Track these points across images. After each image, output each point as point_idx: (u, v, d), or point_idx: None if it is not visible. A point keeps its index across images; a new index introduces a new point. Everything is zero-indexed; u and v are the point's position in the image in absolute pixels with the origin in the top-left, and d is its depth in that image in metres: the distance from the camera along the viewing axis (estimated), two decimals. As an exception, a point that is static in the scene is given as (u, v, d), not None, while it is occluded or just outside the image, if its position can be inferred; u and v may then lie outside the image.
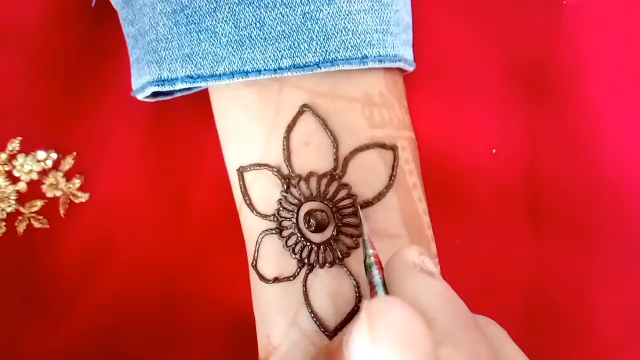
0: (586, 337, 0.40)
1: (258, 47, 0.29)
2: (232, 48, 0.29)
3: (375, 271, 0.26)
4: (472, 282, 0.41)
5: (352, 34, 0.29)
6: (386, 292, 0.25)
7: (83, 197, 0.40)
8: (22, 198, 0.39)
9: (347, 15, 0.29)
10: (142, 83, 0.32)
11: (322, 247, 0.30)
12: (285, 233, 0.30)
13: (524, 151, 0.41)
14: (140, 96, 0.33)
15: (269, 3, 0.29)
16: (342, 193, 0.30)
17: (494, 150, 0.41)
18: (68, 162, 0.39)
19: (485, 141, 0.41)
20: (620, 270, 0.40)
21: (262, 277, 0.31)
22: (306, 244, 0.30)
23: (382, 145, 0.30)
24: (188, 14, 0.30)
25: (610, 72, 0.40)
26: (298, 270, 0.30)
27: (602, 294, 0.40)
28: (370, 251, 0.27)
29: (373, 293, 0.25)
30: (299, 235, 0.30)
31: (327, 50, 0.29)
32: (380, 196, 0.30)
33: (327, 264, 0.29)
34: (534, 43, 0.41)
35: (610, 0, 0.40)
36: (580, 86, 0.40)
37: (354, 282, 0.29)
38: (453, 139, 0.41)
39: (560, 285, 0.41)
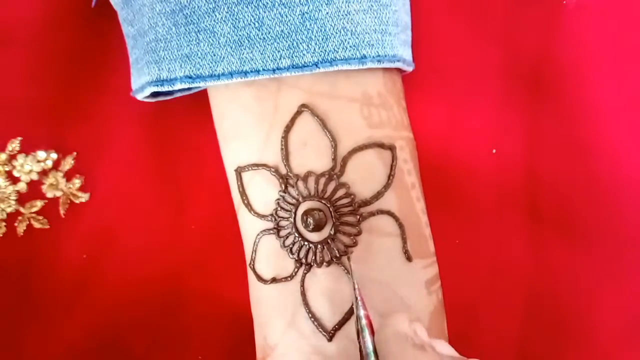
0: (586, 337, 0.40)
1: (257, 47, 0.29)
2: (231, 48, 0.29)
3: (368, 337, 0.26)
4: (472, 282, 0.41)
5: (351, 34, 0.29)
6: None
7: (83, 197, 0.40)
8: (22, 198, 0.39)
9: (346, 15, 0.29)
10: (141, 83, 0.32)
11: (319, 246, 0.30)
12: (283, 233, 0.30)
13: (524, 151, 0.41)
14: (140, 96, 0.33)
15: (267, 3, 0.29)
16: (340, 192, 0.30)
17: (494, 150, 0.41)
18: (68, 162, 0.39)
19: (485, 141, 0.41)
20: (620, 270, 0.40)
21: (259, 278, 0.31)
22: (304, 244, 0.30)
23: (381, 145, 0.30)
24: (187, 14, 0.30)
25: (610, 72, 0.40)
26: (296, 270, 0.30)
27: (602, 294, 0.40)
28: (362, 312, 0.27)
29: None
30: (296, 235, 0.30)
31: (325, 50, 0.29)
32: (378, 195, 0.30)
33: (324, 263, 0.30)
34: (534, 43, 0.41)
35: (610, 0, 0.40)
36: (580, 86, 0.40)
37: (352, 281, 0.29)
38: (453, 139, 0.41)
39: (560, 285, 0.41)
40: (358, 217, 0.30)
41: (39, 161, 0.39)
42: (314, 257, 0.30)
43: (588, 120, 0.40)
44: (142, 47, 0.32)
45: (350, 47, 0.29)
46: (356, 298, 0.28)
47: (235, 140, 0.31)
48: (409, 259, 0.30)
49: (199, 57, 0.30)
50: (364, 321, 0.26)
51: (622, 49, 0.40)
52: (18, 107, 0.39)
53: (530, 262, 0.41)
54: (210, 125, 0.33)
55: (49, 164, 0.39)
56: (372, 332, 0.26)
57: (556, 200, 0.41)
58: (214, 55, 0.29)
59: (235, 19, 0.29)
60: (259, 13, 0.29)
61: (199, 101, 0.36)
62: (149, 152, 0.40)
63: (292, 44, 0.29)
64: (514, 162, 0.41)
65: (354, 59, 0.29)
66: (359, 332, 0.26)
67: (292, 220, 0.30)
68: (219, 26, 0.29)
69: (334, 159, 0.30)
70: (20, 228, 0.39)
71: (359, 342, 0.26)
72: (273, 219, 0.30)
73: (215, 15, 0.29)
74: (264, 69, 0.29)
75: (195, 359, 0.40)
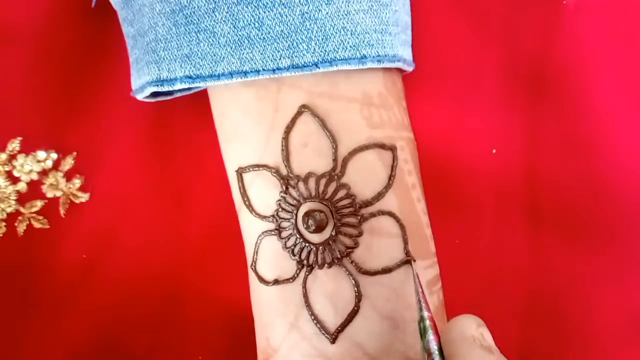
0: (586, 337, 0.40)
1: (257, 47, 0.29)
2: (231, 48, 0.29)
3: (432, 337, 0.26)
4: (472, 282, 0.41)
5: (351, 34, 0.29)
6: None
7: (83, 197, 0.40)
8: (22, 198, 0.39)
9: (346, 15, 0.29)
10: (141, 83, 0.32)
11: (320, 247, 0.30)
12: (285, 234, 0.30)
13: (524, 151, 0.41)
14: (140, 96, 0.33)
15: (267, 3, 0.29)
16: (341, 193, 0.30)
17: (494, 150, 0.41)
18: (68, 162, 0.39)
19: (485, 141, 0.41)
20: (620, 270, 0.40)
21: (261, 279, 0.31)
22: (305, 245, 0.30)
23: (381, 146, 0.30)
24: (187, 14, 0.30)
25: (610, 72, 0.40)
26: (297, 271, 0.30)
27: (602, 294, 0.40)
28: (426, 314, 0.27)
29: None
30: (297, 236, 0.30)
31: (325, 51, 0.29)
32: (379, 196, 0.30)
33: (326, 265, 0.29)
34: (534, 43, 0.41)
35: (610, 0, 0.40)
36: (580, 86, 0.40)
37: (353, 282, 0.29)
38: (453, 139, 0.41)
39: (560, 285, 0.41)
40: (359, 218, 0.30)
41: (39, 161, 0.39)
42: (315, 259, 0.30)
43: (588, 120, 0.40)
44: (142, 47, 0.32)
45: (350, 47, 0.29)
46: (419, 300, 0.28)
47: (235, 140, 0.31)
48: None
49: (199, 57, 0.30)
50: (427, 322, 0.26)
51: (622, 49, 0.40)
52: (18, 107, 0.39)
53: (530, 262, 0.41)
54: (210, 125, 0.33)
55: (49, 164, 0.39)
56: (437, 333, 0.26)
57: (556, 200, 0.41)
58: (214, 55, 0.29)
59: (235, 19, 0.29)
60: (259, 13, 0.29)
61: (199, 101, 0.36)
62: (149, 152, 0.40)
63: (292, 44, 0.29)
64: (514, 162, 0.41)
65: (354, 59, 0.29)
66: (422, 333, 0.26)
67: (293, 221, 0.30)
68: (219, 26, 0.29)
69: (335, 160, 0.30)
70: (20, 228, 0.39)
71: (423, 343, 0.26)
72: (274, 220, 0.30)
73: (215, 16, 0.29)
74: (263, 69, 0.29)
75: (195, 359, 0.40)
